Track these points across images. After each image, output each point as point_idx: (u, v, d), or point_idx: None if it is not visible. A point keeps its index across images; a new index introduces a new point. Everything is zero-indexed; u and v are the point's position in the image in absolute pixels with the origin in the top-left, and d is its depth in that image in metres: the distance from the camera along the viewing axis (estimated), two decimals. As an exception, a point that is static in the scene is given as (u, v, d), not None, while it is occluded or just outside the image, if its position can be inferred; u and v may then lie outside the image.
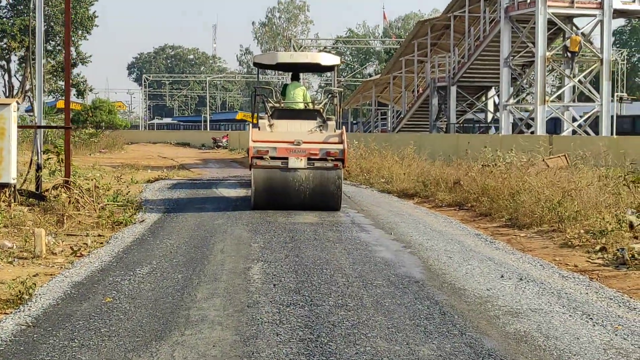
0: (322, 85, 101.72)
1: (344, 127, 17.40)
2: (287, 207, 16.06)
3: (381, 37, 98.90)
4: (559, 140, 25.78)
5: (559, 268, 10.32)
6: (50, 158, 17.47)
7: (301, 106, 18.10)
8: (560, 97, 35.64)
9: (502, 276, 9.51)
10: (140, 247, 11.59)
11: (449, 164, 23.92)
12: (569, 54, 33.73)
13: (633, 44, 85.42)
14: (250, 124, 17.82)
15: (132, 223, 14.16)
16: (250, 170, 16.51)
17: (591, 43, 34.71)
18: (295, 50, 62.90)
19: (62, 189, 15.14)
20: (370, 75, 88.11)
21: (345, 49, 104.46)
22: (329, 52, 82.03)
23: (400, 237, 12.74)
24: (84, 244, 11.91)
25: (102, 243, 12.13)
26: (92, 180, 16.29)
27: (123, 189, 18.20)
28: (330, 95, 18.51)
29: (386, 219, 15.19)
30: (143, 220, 14.53)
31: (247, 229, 13.50)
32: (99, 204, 15.15)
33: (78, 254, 11.11)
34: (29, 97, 51.85)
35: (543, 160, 21.78)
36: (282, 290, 8.56)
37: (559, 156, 22.80)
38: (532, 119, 33.89)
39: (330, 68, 19.47)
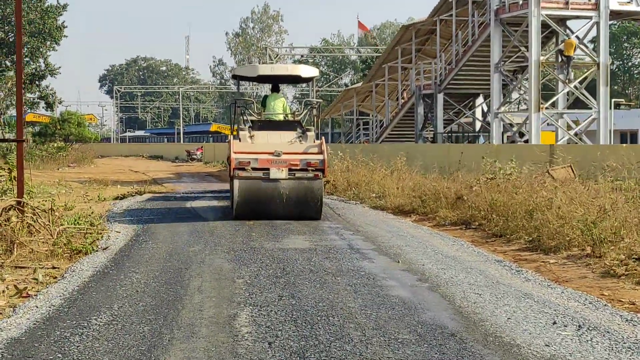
0: (297, 96, 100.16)
1: (323, 137, 17.23)
2: (268, 216, 16.02)
3: (357, 46, 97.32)
4: (560, 150, 23.83)
5: (615, 307, 8.35)
6: (1, 175, 15.38)
7: (281, 117, 18.11)
8: (554, 104, 33.81)
9: (554, 322, 7.53)
10: (100, 284, 9.53)
11: (444, 176, 21.99)
12: (563, 58, 31.89)
13: (612, 50, 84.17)
14: (231, 136, 16.90)
15: (93, 251, 12.12)
16: (231, 181, 16.37)
17: (586, 46, 32.93)
18: (272, 60, 61.36)
19: (14, 211, 13.00)
20: (347, 85, 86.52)
21: (320, 59, 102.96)
22: (306, 62, 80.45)
23: (410, 267, 10.73)
24: (33, 279, 9.88)
25: (55, 278, 10.11)
26: (48, 200, 14.18)
27: (86, 208, 16.18)
28: (310, 107, 18.17)
29: (388, 242, 13.19)
30: (107, 248, 12.49)
31: (228, 257, 11.45)
32: (56, 228, 13.02)
33: (24, 294, 9.08)
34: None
35: (547, 171, 19.95)
36: (281, 351, 6.47)
37: (564, 167, 20.91)
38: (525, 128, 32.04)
39: (309, 79, 19.31)
